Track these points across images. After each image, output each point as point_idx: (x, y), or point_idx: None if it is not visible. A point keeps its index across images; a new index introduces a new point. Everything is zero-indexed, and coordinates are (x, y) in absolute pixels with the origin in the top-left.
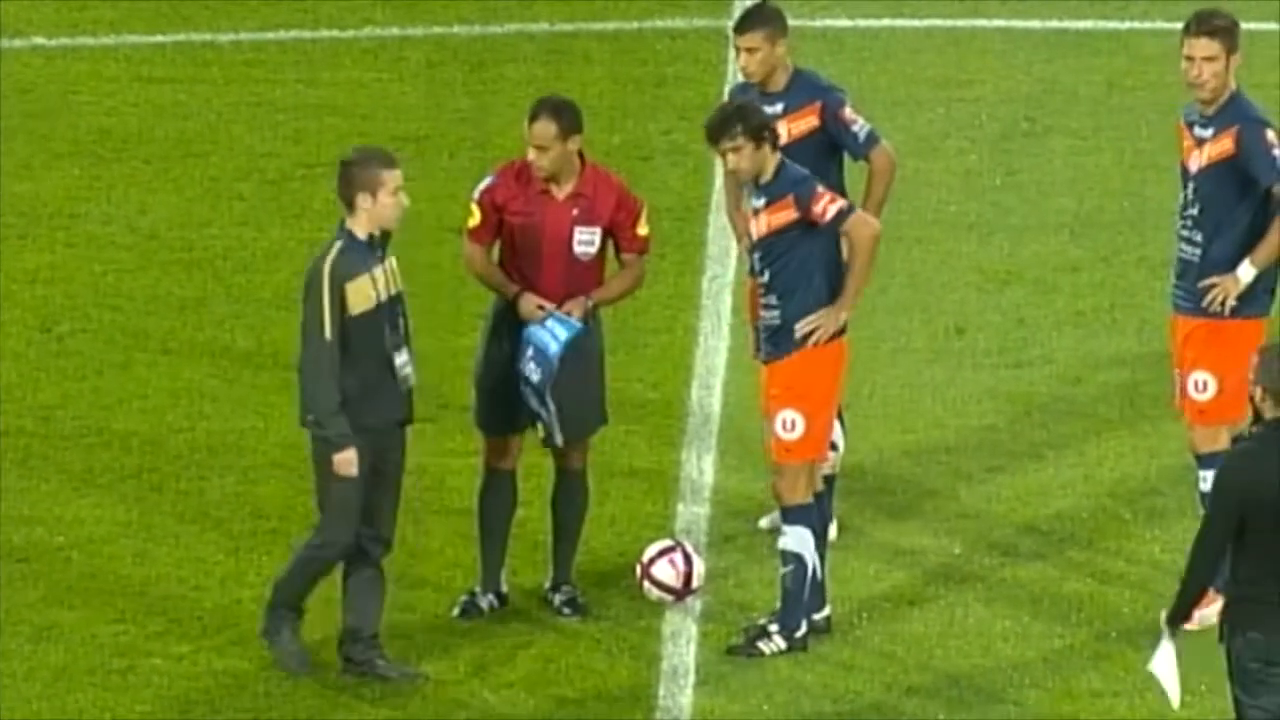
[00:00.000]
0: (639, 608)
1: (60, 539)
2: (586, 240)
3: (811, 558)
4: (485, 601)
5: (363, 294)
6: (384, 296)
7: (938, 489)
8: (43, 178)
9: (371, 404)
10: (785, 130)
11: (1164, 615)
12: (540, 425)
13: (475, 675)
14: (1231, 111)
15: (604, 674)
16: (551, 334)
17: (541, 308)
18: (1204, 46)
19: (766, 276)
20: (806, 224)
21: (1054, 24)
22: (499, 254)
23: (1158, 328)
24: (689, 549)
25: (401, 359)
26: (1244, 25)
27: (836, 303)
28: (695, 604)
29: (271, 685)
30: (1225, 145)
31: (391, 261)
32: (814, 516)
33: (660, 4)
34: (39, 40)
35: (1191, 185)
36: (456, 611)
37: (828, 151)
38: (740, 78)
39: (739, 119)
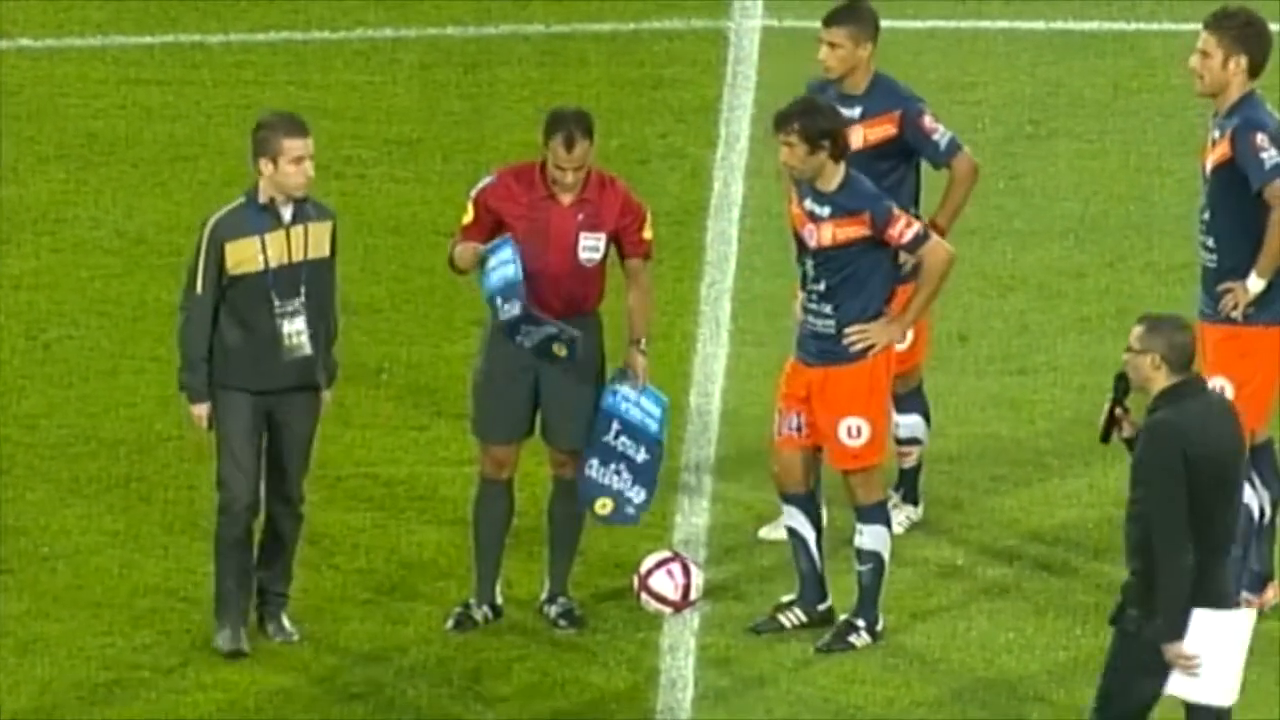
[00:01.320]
0: (636, 620)
1: (46, 549)
2: (592, 246)
3: (888, 556)
4: (480, 613)
5: (244, 256)
6: (276, 262)
7: (940, 498)
8: (29, 181)
9: (256, 367)
10: (861, 136)
11: (1163, 633)
12: (611, 503)
13: (469, 689)
14: (1235, 114)
15: (601, 687)
16: (645, 411)
17: (477, 252)
18: (1201, 39)
19: (823, 285)
20: (877, 241)
21: (1058, 25)
22: None
23: None
24: (687, 560)
25: (291, 328)
26: None
27: (896, 319)
28: (694, 616)
29: (262, 700)
30: (1224, 149)
31: (311, 228)
32: (889, 514)
33: (657, 5)
34: (25, 41)
35: (1206, 188)
36: (450, 624)
37: (903, 158)
38: (821, 75)
39: (799, 117)
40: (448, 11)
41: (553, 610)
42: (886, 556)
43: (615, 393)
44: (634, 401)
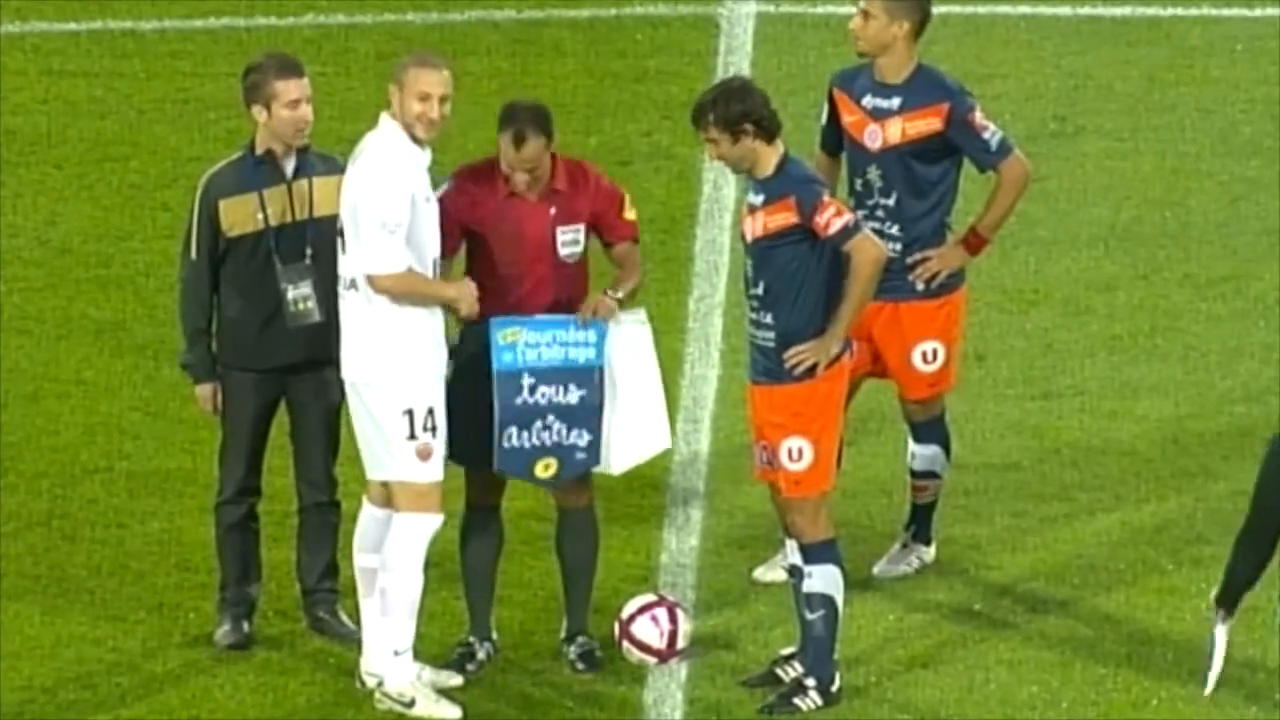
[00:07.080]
0: (618, 670)
1: None
2: (571, 240)
3: (840, 600)
4: (483, 651)
5: (239, 214)
6: (277, 221)
7: (955, 536)
8: None
9: (260, 340)
10: (900, 130)
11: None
12: (556, 462)
13: None
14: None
15: None
16: (569, 344)
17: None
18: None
19: (760, 288)
20: (808, 233)
21: (1086, 11)
22: (467, 268)
23: (1202, 353)
24: (674, 605)
25: (297, 293)
26: (1250, 12)
27: (828, 332)
28: (681, 666)
29: None
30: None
31: (317, 183)
32: (839, 553)
33: None
34: None
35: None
36: (455, 660)
37: (947, 157)
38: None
39: (712, 108)
40: None
41: (571, 650)
42: (840, 601)
43: (511, 348)
44: (544, 344)
